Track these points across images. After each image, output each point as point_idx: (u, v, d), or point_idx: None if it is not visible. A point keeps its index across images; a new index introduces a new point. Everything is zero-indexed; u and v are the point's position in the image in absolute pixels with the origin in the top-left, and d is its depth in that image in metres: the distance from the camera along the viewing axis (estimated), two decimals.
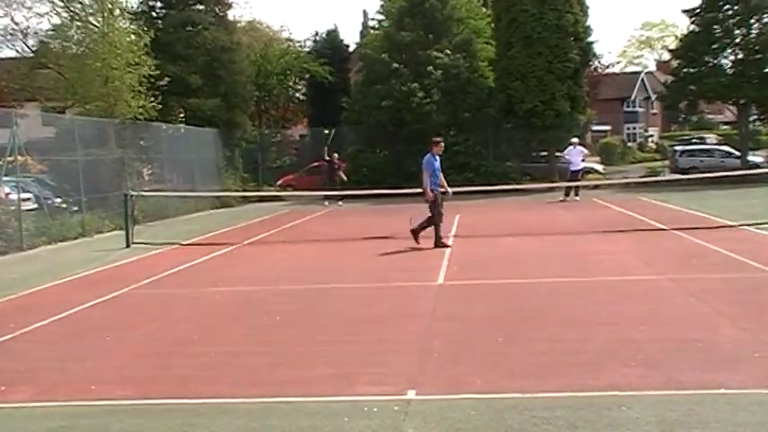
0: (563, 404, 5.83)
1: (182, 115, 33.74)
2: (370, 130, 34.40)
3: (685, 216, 19.50)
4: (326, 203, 30.03)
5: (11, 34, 35.24)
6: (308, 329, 8.83)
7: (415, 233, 15.90)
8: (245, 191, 32.90)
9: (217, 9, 36.02)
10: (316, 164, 38.46)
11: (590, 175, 34.02)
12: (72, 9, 26.27)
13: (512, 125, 34.20)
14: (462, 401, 6.01)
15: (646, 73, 71.96)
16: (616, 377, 6.41)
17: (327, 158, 31.17)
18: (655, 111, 70.89)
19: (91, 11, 25.86)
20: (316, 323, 9.15)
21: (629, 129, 67.05)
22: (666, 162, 40.65)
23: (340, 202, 29.84)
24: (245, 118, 36.77)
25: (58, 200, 22.10)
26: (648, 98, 69.10)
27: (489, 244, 16.10)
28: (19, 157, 19.50)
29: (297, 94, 49.71)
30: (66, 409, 6.26)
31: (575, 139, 27.97)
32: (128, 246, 18.00)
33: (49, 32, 29.34)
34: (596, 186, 30.09)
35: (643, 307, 9.15)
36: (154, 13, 34.37)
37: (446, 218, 21.36)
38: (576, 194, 26.63)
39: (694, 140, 50.04)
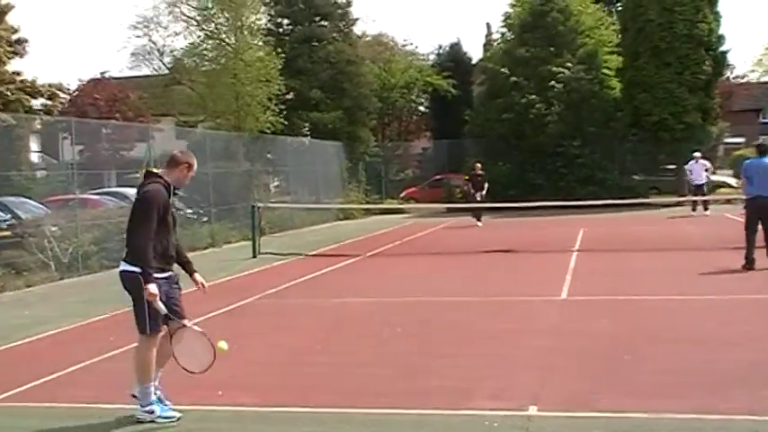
0: (690, 426, 5.63)
1: (305, 129, 34.48)
2: (493, 142, 34.23)
3: None
4: (479, 223, 25.71)
5: (148, 53, 36.92)
6: (429, 342, 8.85)
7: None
8: (367, 203, 33.27)
9: (341, 24, 36.64)
10: (438, 177, 38.57)
11: (722, 189, 32.80)
12: (205, 28, 27.30)
13: (638, 138, 33.39)
14: (585, 420, 5.89)
15: None
16: (749, 400, 6.12)
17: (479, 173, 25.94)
18: None
19: (225, 29, 26.79)
20: (436, 336, 9.16)
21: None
22: None
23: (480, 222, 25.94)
24: (367, 131, 37.18)
25: (189, 211, 22.89)
26: None
27: (614, 259, 15.73)
28: (154, 170, 20.31)
29: (419, 107, 49.96)
30: (194, 413, 6.46)
31: (697, 153, 27.05)
32: (254, 256, 18.48)
33: (184, 50, 30.53)
34: (728, 201, 28.94)
35: None
36: (281, 30, 35.26)
37: (569, 232, 21.09)
38: (706, 209, 25.73)
39: None
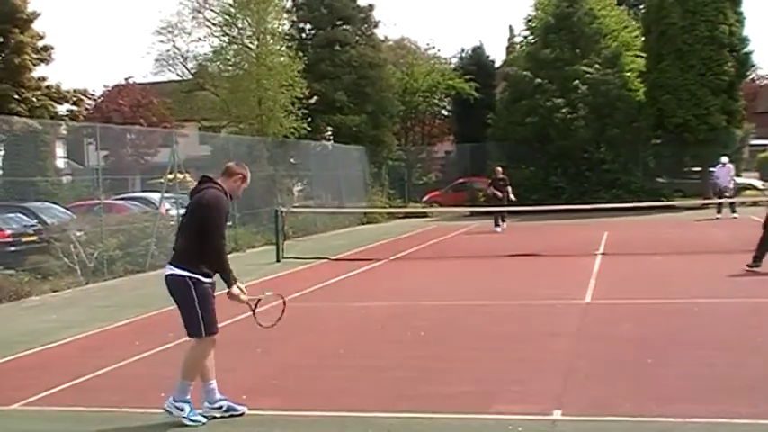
0: (716, 431, 5.61)
1: (328, 133, 34.55)
2: (515, 146, 34.14)
3: None
4: (499, 230, 24.30)
5: (172, 59, 37.19)
6: (452, 345, 8.85)
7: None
8: (391, 207, 33.29)
9: (363, 28, 36.72)
10: (461, 180, 38.53)
11: (748, 192, 32.53)
12: (228, 33, 27.44)
13: (662, 140, 33.22)
14: (609, 424, 5.88)
15: None
16: None
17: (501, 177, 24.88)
18: None
19: (248, 34, 26.92)
20: (459, 339, 9.16)
21: None
22: None
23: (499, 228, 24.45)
24: (390, 135, 37.22)
25: None
26: None
27: (639, 262, 15.65)
28: (178, 175, 20.47)
29: (442, 111, 49.93)
30: (219, 417, 6.48)
31: (724, 159, 26.93)
32: (278, 260, 18.55)
33: (207, 56, 30.72)
34: (755, 203, 28.69)
35: None
36: (303, 35, 35.38)
37: (592, 236, 20.98)
38: (733, 211, 25.57)
39: None
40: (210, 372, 6.45)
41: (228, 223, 22.37)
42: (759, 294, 11.34)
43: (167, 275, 6.34)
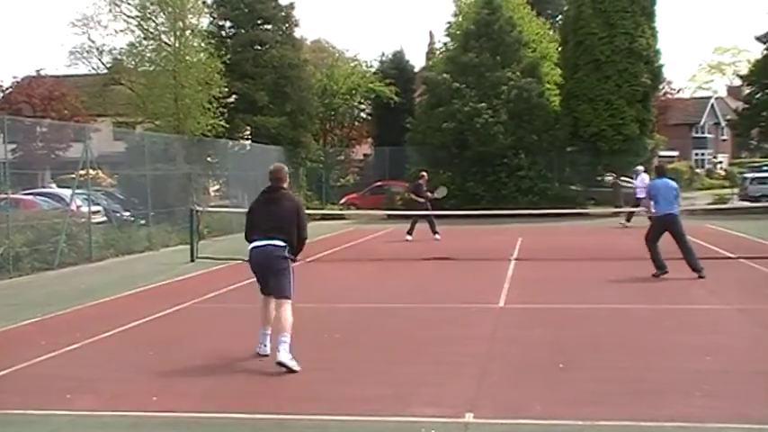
0: None
1: (247, 133, 34.19)
2: (434, 151, 34.35)
3: (755, 245, 19.01)
4: (409, 238, 22.82)
5: (87, 52, 36.15)
6: (367, 348, 8.84)
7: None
8: (308, 209, 33.15)
9: (284, 27, 36.49)
10: (379, 183, 38.66)
11: None
12: (145, 28, 26.90)
13: (577, 149, 33.91)
14: (521, 426, 5.95)
15: (716, 98, 70.57)
16: (680, 408, 6.25)
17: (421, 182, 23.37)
18: (724, 137, 69.49)
19: (164, 29, 26.44)
20: (374, 342, 9.16)
21: (697, 155, 65.87)
22: (736, 189, 39.77)
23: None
24: (309, 137, 37.06)
25: (127, 213, 22.54)
26: (718, 124, 67.86)
27: (552, 268, 15.92)
28: (91, 171, 19.98)
29: (362, 114, 50.02)
30: (128, 419, 6.36)
31: (640, 167, 27.64)
32: (192, 260, 18.26)
33: (123, 50, 30.04)
34: None
35: (708, 337, 8.95)
36: (223, 33, 34.97)
37: (507, 241, 21.27)
38: (628, 220, 26.27)
39: (766, 168, 48.89)
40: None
41: (142, 222, 22.00)
42: (668, 300, 11.65)
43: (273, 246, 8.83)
